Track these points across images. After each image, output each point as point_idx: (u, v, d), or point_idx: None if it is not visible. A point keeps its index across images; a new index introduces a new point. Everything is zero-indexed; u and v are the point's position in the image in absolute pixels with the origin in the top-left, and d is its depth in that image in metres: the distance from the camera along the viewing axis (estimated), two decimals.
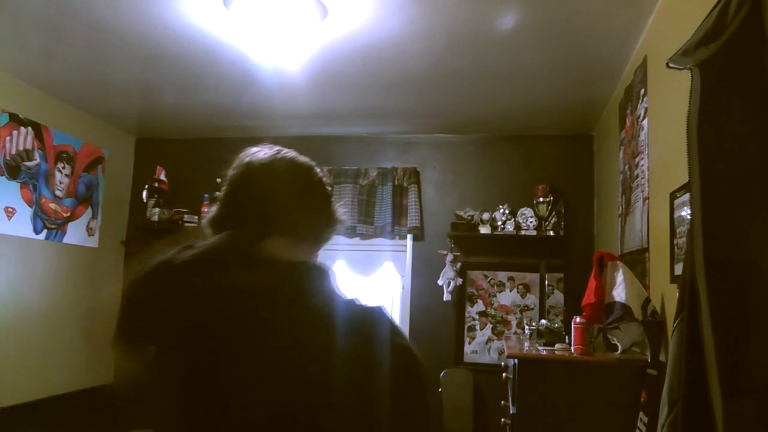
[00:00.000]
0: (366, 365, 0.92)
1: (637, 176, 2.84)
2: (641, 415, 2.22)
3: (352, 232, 4.59)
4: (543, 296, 4.32)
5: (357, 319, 0.97)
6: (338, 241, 4.59)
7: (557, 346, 2.78)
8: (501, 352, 4.31)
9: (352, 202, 4.62)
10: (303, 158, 1.14)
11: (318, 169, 1.15)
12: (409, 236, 4.59)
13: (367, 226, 4.59)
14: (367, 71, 3.44)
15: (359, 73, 3.48)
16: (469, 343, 4.43)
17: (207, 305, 0.95)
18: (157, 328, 0.99)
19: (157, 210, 4.73)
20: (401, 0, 2.62)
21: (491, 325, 4.42)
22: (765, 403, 1.12)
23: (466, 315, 4.46)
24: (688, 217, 1.89)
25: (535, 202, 4.30)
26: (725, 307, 1.22)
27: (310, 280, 1.01)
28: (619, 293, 2.39)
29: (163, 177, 4.80)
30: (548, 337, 2.96)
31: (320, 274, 1.03)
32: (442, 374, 4.31)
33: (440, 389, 4.26)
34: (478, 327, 4.43)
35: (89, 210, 4.57)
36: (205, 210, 4.50)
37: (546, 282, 4.30)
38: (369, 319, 0.98)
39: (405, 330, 4.47)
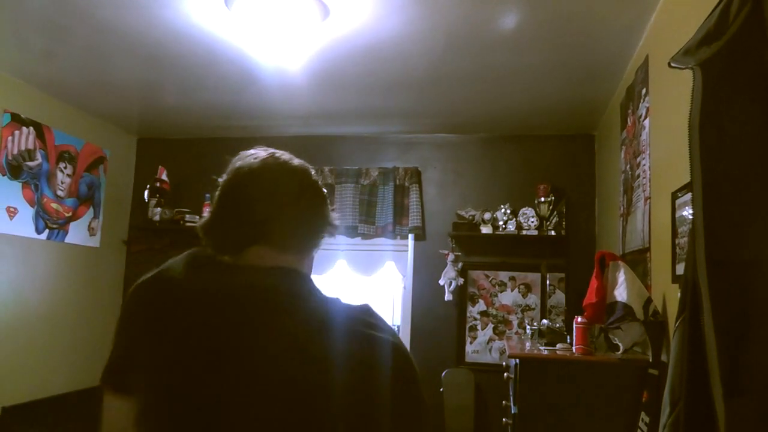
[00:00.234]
0: (359, 365, 0.92)
1: (639, 176, 2.84)
2: (643, 415, 2.22)
3: (353, 232, 4.60)
4: (544, 296, 4.32)
5: (344, 319, 0.96)
6: (339, 241, 4.59)
7: (558, 346, 2.78)
8: (502, 352, 4.31)
9: (353, 201, 4.62)
10: (297, 162, 1.11)
11: (312, 172, 1.12)
12: (411, 236, 4.59)
13: (368, 226, 4.59)
14: (368, 71, 3.44)
15: (360, 73, 3.48)
16: (471, 342, 4.43)
17: (196, 331, 0.93)
18: (147, 369, 0.95)
19: (158, 210, 4.73)
20: (402, 0, 2.62)
21: (492, 325, 4.42)
22: (767, 403, 1.12)
23: (468, 315, 4.46)
24: (690, 216, 1.89)
25: (536, 201, 4.30)
26: (727, 307, 1.22)
27: (287, 284, 1.00)
28: (620, 293, 2.39)
29: (164, 177, 4.81)
30: (549, 337, 2.95)
31: (296, 277, 1.02)
32: (443, 374, 4.30)
33: (441, 389, 4.26)
34: (479, 327, 4.43)
35: (91, 210, 4.57)
36: (207, 210, 4.50)
37: (547, 282, 4.30)
38: (356, 317, 0.97)
39: (406, 330, 4.48)
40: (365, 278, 4.66)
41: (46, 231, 4.13)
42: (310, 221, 1.08)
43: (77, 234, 4.43)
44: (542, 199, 4.27)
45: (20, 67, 3.65)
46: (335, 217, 1.13)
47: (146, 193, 4.79)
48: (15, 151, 3.85)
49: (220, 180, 1.08)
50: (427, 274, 4.51)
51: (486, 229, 4.33)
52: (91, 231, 4.59)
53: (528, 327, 3.44)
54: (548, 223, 4.27)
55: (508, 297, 4.42)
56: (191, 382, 0.90)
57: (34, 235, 4.03)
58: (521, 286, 4.41)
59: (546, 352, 2.70)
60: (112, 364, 1.01)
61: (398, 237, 4.58)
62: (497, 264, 4.46)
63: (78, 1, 2.73)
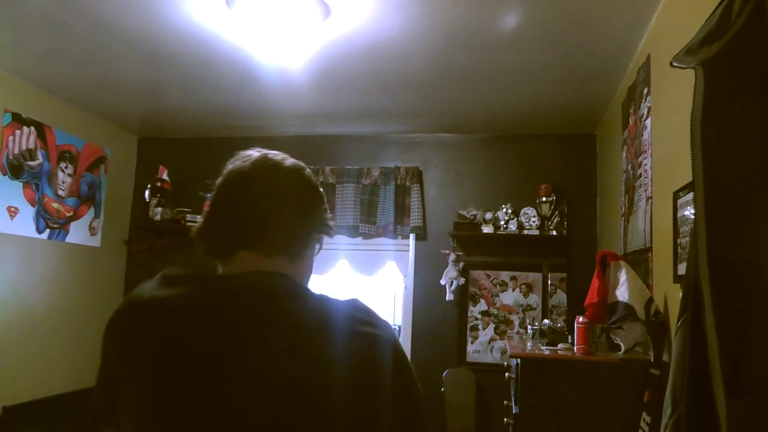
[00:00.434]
0: (359, 364, 0.91)
1: (640, 176, 2.83)
2: (644, 415, 2.22)
3: (354, 232, 4.59)
4: (546, 296, 4.32)
5: (338, 317, 0.94)
6: (340, 241, 4.59)
7: (560, 345, 2.78)
8: (503, 352, 4.31)
9: (354, 201, 4.62)
10: (290, 162, 1.08)
11: (307, 172, 1.09)
12: (412, 236, 4.59)
13: (369, 226, 4.58)
14: (369, 70, 3.44)
15: (361, 73, 3.48)
16: (472, 342, 4.43)
17: (178, 347, 0.89)
18: (137, 394, 0.90)
19: (159, 209, 4.74)
20: None
21: (494, 325, 4.41)
22: None
23: (469, 314, 4.46)
24: (692, 216, 1.88)
25: (537, 201, 4.30)
26: (729, 306, 1.21)
27: (265, 287, 0.96)
28: (622, 293, 2.38)
29: (165, 176, 4.81)
30: (551, 336, 2.95)
31: (279, 279, 0.99)
32: (444, 374, 4.30)
33: (443, 389, 4.25)
34: (480, 327, 4.43)
35: (92, 209, 4.57)
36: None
37: (549, 281, 4.29)
38: (351, 315, 0.96)
39: (407, 330, 4.48)
40: (366, 278, 4.66)
41: (47, 231, 4.13)
42: (301, 222, 1.05)
43: (78, 234, 4.43)
44: (543, 198, 4.27)
45: (21, 67, 3.66)
46: (330, 217, 1.11)
47: (147, 192, 4.79)
48: (16, 151, 3.85)
49: (217, 181, 1.07)
50: (429, 274, 4.51)
51: (487, 229, 4.33)
52: (92, 231, 4.59)
53: (529, 327, 3.44)
54: (549, 222, 4.27)
55: (510, 297, 4.42)
56: (186, 396, 0.86)
57: (35, 235, 4.04)
58: (522, 286, 4.41)
59: (547, 352, 2.70)
60: (97, 405, 0.96)
61: (399, 237, 4.58)
62: (498, 264, 4.46)
63: (79, 0, 2.73)
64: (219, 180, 1.06)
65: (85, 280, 4.51)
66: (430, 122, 4.47)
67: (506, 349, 4.11)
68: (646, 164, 2.72)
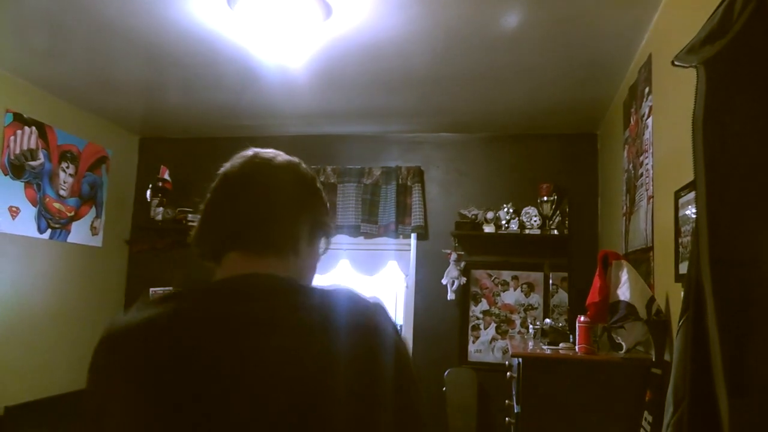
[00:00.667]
0: (356, 362, 0.88)
1: (642, 175, 2.83)
2: (646, 414, 2.22)
3: (356, 232, 4.60)
4: (547, 295, 4.32)
5: (331, 314, 0.91)
6: (342, 241, 4.59)
7: (561, 345, 2.78)
8: (505, 352, 4.31)
9: (355, 201, 4.62)
10: (280, 159, 1.05)
11: (301, 168, 1.06)
12: (413, 235, 4.59)
13: (370, 225, 4.59)
14: (370, 70, 3.44)
15: (362, 72, 3.48)
16: (473, 342, 4.42)
17: (163, 369, 0.85)
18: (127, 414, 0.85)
19: (161, 209, 4.74)
20: None
21: (495, 324, 4.41)
22: None
23: (470, 314, 4.46)
24: (693, 215, 1.88)
25: (539, 201, 4.29)
26: (731, 305, 1.21)
27: (254, 289, 0.93)
28: (623, 292, 2.38)
29: (166, 176, 4.81)
30: (552, 336, 2.95)
31: (268, 280, 0.95)
32: (446, 373, 4.30)
33: (444, 388, 4.25)
34: (482, 326, 4.43)
35: (93, 209, 4.58)
36: None
37: (550, 281, 4.29)
38: (346, 310, 0.92)
39: (409, 329, 4.48)
40: (368, 278, 4.66)
41: (49, 230, 4.14)
42: (292, 218, 1.01)
43: (79, 233, 4.43)
44: (545, 198, 4.27)
45: (22, 67, 3.66)
46: (327, 211, 1.07)
47: (148, 192, 4.79)
48: (17, 151, 3.85)
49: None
50: (430, 274, 4.51)
51: (488, 229, 4.33)
52: (94, 230, 4.59)
53: (531, 326, 3.44)
54: (551, 222, 4.27)
55: (511, 296, 4.42)
56: (181, 420, 0.82)
57: (37, 235, 4.04)
58: (524, 286, 4.41)
59: (549, 352, 2.70)
60: None
61: (401, 236, 4.58)
62: (500, 263, 4.46)
63: (81, 0, 2.73)
64: (212, 184, 1.05)
65: (87, 280, 4.52)
66: (431, 122, 4.47)
67: (508, 348, 4.10)
68: (647, 163, 2.72)
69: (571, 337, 2.88)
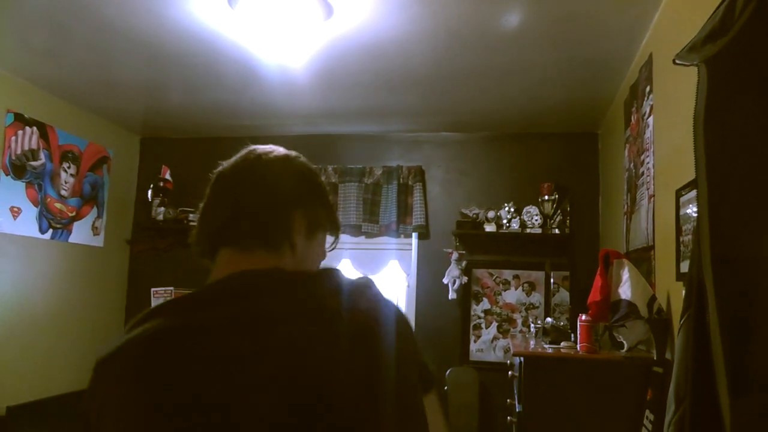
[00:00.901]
0: (367, 354, 0.86)
1: (643, 174, 2.83)
2: (647, 413, 2.21)
3: (357, 231, 4.60)
4: (548, 294, 4.32)
5: (340, 303, 0.89)
6: (343, 240, 4.58)
7: (563, 344, 2.78)
8: (506, 351, 4.31)
9: (357, 200, 4.62)
10: (276, 153, 1.04)
11: (298, 161, 1.05)
12: (414, 234, 4.59)
13: (372, 225, 4.59)
14: (371, 69, 3.44)
15: (363, 72, 3.48)
16: (475, 341, 4.43)
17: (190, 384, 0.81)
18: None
19: (162, 209, 4.75)
20: None
21: (497, 324, 4.41)
22: None
23: (472, 313, 4.46)
24: (694, 214, 1.88)
25: (540, 200, 4.29)
26: (732, 304, 1.21)
27: (242, 288, 0.91)
28: (624, 291, 2.38)
29: (168, 176, 4.82)
30: (554, 335, 2.95)
31: (258, 276, 0.93)
32: (447, 372, 4.30)
33: (446, 387, 4.26)
34: (483, 325, 4.43)
35: (94, 209, 4.58)
36: None
37: (551, 280, 4.29)
38: (344, 295, 0.91)
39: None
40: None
41: (50, 231, 4.14)
42: (284, 211, 0.99)
43: (81, 233, 4.44)
44: (546, 197, 4.27)
45: (23, 67, 3.66)
46: (326, 202, 1.06)
47: (150, 192, 4.80)
48: (18, 151, 3.86)
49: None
50: (431, 273, 4.51)
51: (490, 228, 4.33)
52: (95, 230, 4.60)
53: (532, 325, 3.44)
54: (552, 221, 4.27)
55: (512, 295, 4.42)
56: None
57: (38, 235, 4.04)
58: (525, 285, 4.41)
59: (550, 351, 2.70)
60: None
61: (402, 235, 4.59)
62: (501, 262, 4.46)
63: (82, 0, 2.73)
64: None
65: (88, 280, 4.52)
66: (432, 121, 4.47)
67: (509, 347, 4.10)
68: (648, 162, 2.72)
69: (572, 336, 2.88)
